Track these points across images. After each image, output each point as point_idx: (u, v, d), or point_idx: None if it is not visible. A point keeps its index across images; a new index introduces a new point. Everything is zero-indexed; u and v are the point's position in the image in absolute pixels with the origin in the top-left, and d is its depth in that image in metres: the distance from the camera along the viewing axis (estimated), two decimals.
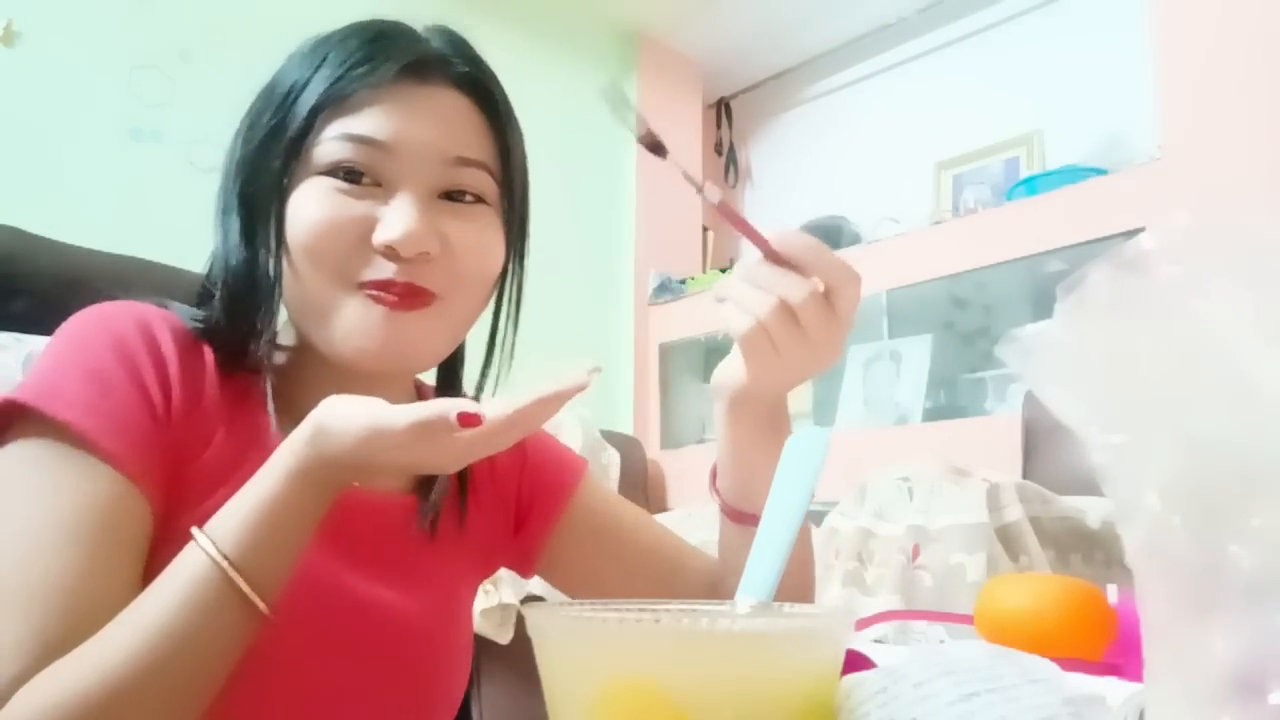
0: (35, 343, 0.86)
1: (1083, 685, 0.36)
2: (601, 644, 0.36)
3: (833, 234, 3.09)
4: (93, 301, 0.61)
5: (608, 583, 0.76)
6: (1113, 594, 0.71)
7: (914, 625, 0.91)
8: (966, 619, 0.81)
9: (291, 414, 0.65)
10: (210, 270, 0.65)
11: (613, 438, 2.82)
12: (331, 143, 0.60)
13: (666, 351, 3.26)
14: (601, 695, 0.35)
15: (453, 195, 0.63)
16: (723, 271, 3.34)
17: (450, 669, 0.69)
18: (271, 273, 0.61)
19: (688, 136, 3.60)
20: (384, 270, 0.59)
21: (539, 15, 3.10)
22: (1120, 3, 2.67)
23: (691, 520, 2.30)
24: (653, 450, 3.14)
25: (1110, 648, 0.68)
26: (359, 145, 0.60)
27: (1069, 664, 0.43)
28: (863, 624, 0.90)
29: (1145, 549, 0.30)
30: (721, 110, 3.88)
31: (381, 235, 0.59)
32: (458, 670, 0.70)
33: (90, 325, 0.58)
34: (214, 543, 0.48)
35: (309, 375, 0.65)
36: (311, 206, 0.59)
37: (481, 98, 0.65)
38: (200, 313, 0.64)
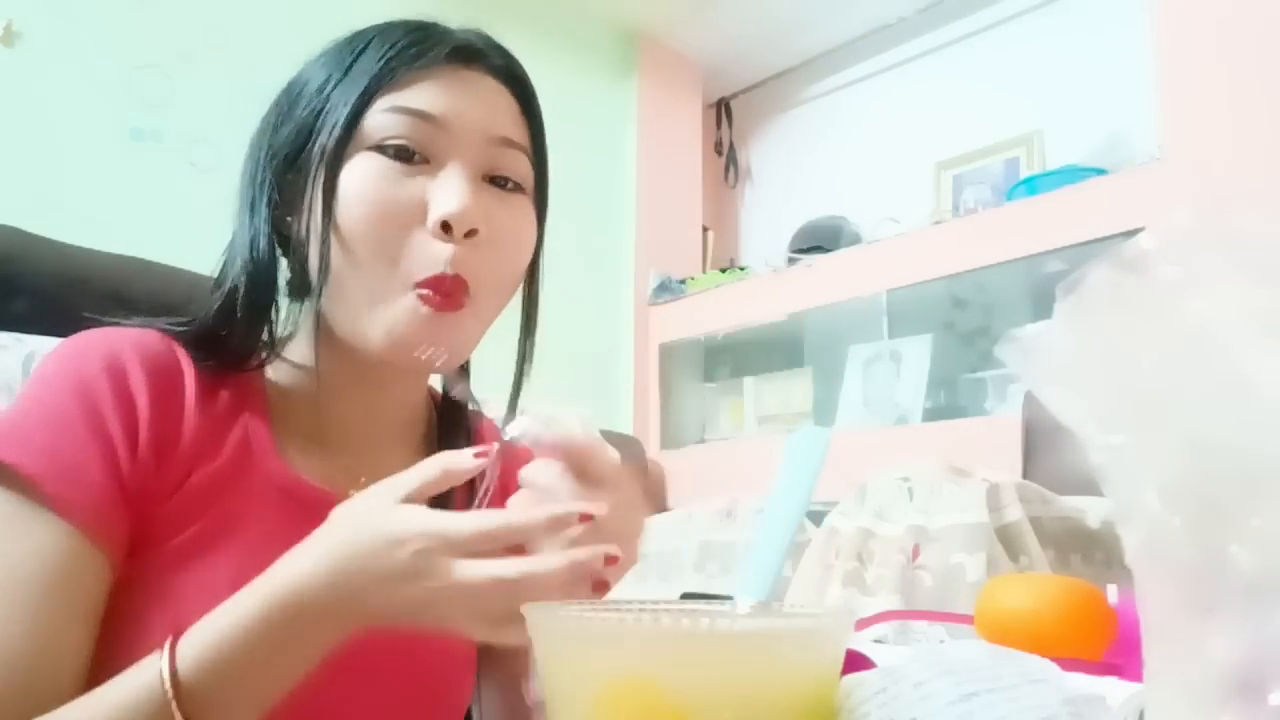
0: (35, 343, 0.86)
1: (1083, 685, 0.36)
2: (601, 644, 0.36)
3: (833, 234, 3.09)
4: (93, 302, 0.61)
5: None
6: (1113, 594, 0.70)
7: (914, 625, 0.91)
8: (966, 619, 0.81)
9: (290, 422, 0.65)
10: (224, 266, 0.65)
11: (612, 438, 2.81)
12: (382, 115, 0.60)
13: (666, 351, 3.25)
14: (601, 695, 0.35)
15: (495, 180, 0.64)
16: (723, 271, 3.34)
17: (458, 680, 0.70)
18: (319, 251, 0.60)
19: (688, 136, 3.60)
20: (435, 262, 0.59)
21: (539, 15, 3.10)
22: (1120, 3, 2.67)
23: (692, 521, 2.30)
24: (652, 450, 3.14)
25: (1110, 648, 0.68)
26: (411, 119, 0.60)
27: (1069, 664, 0.43)
28: (863, 624, 0.90)
29: (1145, 549, 0.30)
30: (721, 110, 3.87)
31: (437, 211, 0.59)
32: (464, 680, 0.71)
33: (57, 367, 0.57)
34: (172, 661, 0.46)
35: (318, 381, 0.65)
36: (358, 185, 0.59)
37: (517, 90, 0.67)
38: (186, 320, 0.63)
